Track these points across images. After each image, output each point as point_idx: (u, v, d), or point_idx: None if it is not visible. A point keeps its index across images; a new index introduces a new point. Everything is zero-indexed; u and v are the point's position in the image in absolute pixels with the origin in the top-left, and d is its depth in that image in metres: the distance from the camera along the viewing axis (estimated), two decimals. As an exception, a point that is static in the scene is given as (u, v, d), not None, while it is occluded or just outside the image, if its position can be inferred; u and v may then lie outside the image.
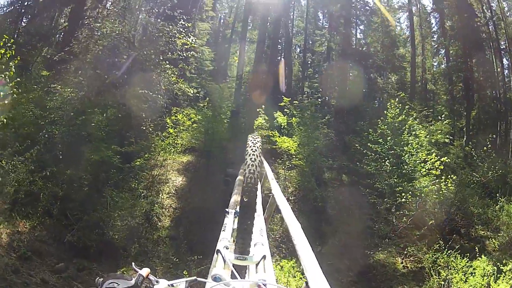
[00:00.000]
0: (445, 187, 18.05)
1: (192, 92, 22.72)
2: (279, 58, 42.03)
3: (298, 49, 47.79)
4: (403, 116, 20.49)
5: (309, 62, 46.69)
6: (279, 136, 23.68)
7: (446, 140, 24.13)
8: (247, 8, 36.38)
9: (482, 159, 23.18)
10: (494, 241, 18.20)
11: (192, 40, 21.78)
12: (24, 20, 29.18)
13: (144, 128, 19.86)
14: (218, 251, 3.53)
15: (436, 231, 18.29)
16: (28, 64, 25.19)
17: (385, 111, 21.29)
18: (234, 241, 4.51)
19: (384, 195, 19.29)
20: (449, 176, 18.46)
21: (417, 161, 19.35)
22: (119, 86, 19.82)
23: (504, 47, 35.15)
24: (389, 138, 19.70)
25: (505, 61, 35.29)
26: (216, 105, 24.63)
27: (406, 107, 23.06)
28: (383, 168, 19.46)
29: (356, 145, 23.41)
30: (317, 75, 42.47)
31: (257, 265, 3.51)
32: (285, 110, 25.30)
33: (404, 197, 17.78)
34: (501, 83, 34.88)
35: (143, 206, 17.74)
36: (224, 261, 3.37)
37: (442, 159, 18.64)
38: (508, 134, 32.41)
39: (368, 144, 21.28)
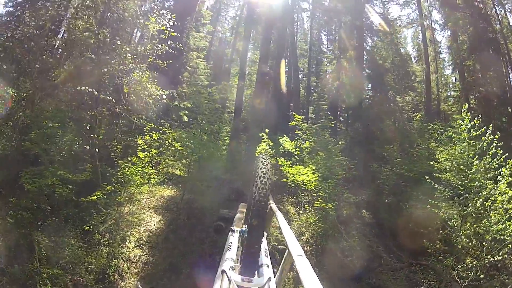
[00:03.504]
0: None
1: (165, 95, 15.63)
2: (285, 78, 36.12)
3: (301, 74, 41.75)
4: (478, 131, 13.36)
5: (313, 86, 41.24)
6: (291, 166, 17.22)
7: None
8: (248, 28, 30.24)
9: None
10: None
11: (167, 24, 14.82)
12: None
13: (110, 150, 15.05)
14: (224, 271, 3.32)
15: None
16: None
17: (455, 123, 14.36)
18: (238, 259, 4.26)
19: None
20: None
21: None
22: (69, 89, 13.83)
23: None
24: (475, 164, 12.90)
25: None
26: (211, 127, 18.12)
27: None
28: (468, 210, 12.79)
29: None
30: (326, 95, 36.46)
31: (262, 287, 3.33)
32: (296, 131, 20.19)
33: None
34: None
35: (101, 258, 12.17)
36: (230, 282, 3.19)
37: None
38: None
39: (435, 174, 15.19)
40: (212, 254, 12.87)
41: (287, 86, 36.80)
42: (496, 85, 29.01)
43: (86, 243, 12.27)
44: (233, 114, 28.41)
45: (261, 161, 4.31)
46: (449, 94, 38.84)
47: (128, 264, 12.61)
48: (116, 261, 12.26)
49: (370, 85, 35.11)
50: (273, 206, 9.14)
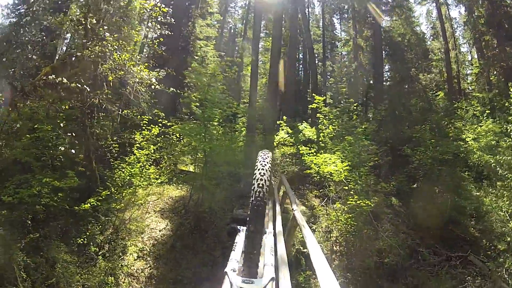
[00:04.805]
0: None
1: (153, 76, 13.30)
2: (300, 65, 36.80)
3: (316, 60, 39.93)
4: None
5: (329, 71, 39.16)
6: (314, 155, 14.59)
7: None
8: (258, 16, 28.10)
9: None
10: None
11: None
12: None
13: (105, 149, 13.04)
14: (225, 273, 3.28)
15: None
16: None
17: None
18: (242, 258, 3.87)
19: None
20: None
21: None
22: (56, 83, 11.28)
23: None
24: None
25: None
26: (214, 112, 14.77)
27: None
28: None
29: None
30: (345, 78, 34.70)
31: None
32: (318, 115, 17.58)
33: None
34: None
35: (99, 273, 10.05)
36: (231, 284, 3.16)
37: None
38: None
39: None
40: (227, 264, 10.70)
41: (303, 71, 35.76)
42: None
43: (81, 257, 10.25)
44: (247, 104, 27.13)
45: (259, 161, 3.89)
46: (466, 72, 37.66)
47: (129, 279, 10.55)
48: (112, 278, 10.23)
49: (389, 65, 33.03)
50: (298, 215, 6.76)
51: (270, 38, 32.91)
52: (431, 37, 38.61)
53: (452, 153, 15.76)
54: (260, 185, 3.53)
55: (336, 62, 40.82)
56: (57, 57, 16.87)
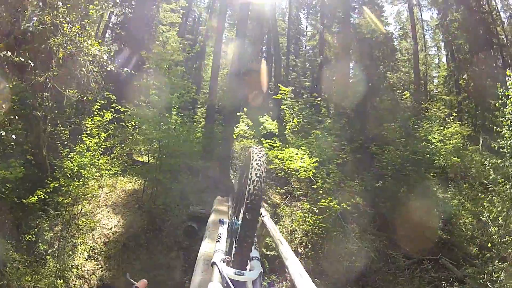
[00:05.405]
0: None
1: (105, 52, 12.35)
2: (263, 56, 36.95)
3: (280, 53, 39.70)
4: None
5: (292, 66, 38.81)
6: (280, 149, 13.74)
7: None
8: (223, 4, 27.65)
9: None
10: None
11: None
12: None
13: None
14: (215, 263, 3.21)
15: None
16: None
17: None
18: (227, 251, 4.04)
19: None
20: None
21: None
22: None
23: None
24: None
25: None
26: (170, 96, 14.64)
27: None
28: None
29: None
30: (308, 72, 34.55)
31: (254, 281, 3.16)
32: (282, 107, 17.24)
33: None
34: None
35: (49, 275, 9.34)
36: (221, 275, 3.04)
37: None
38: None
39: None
40: (185, 268, 10.08)
41: (266, 63, 35.55)
42: (486, 65, 27.83)
43: (31, 256, 9.57)
44: (207, 95, 26.64)
45: (255, 152, 3.75)
46: (433, 74, 37.89)
47: (80, 281, 9.78)
48: (62, 281, 9.40)
49: (356, 61, 32.54)
50: (269, 224, 6.29)
51: (235, 29, 32.45)
52: (399, 38, 38.69)
53: (422, 153, 15.64)
54: (258, 175, 3.43)
55: (299, 57, 40.56)
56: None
